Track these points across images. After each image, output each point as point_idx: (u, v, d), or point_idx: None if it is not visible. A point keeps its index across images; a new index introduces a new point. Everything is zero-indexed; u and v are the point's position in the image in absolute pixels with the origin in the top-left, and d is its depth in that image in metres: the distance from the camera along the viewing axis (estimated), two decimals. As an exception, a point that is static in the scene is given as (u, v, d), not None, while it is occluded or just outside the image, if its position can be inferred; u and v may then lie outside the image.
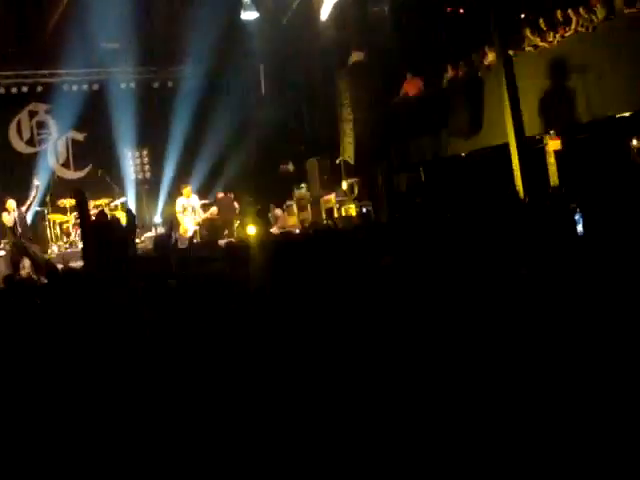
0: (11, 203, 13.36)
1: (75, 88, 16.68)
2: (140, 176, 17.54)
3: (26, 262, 13.21)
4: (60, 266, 11.72)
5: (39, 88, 16.53)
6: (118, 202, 15.95)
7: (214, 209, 15.24)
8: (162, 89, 17.46)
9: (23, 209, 13.66)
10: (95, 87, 16.87)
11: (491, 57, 12.10)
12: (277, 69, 17.68)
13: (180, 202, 14.90)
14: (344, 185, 15.03)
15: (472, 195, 11.08)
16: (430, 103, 13.64)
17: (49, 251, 14.78)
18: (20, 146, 16.62)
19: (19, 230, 13.23)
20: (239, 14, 15.36)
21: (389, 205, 13.75)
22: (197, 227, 14.79)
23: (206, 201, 15.64)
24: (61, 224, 15.37)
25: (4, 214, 13.30)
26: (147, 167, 17.66)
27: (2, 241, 14.06)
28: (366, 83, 14.84)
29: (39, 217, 15.15)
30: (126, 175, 17.21)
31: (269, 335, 2.50)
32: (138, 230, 16.16)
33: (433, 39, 14.76)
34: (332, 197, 15.07)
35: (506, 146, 10.71)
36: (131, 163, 17.43)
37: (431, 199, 13.20)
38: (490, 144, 11.92)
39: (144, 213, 16.92)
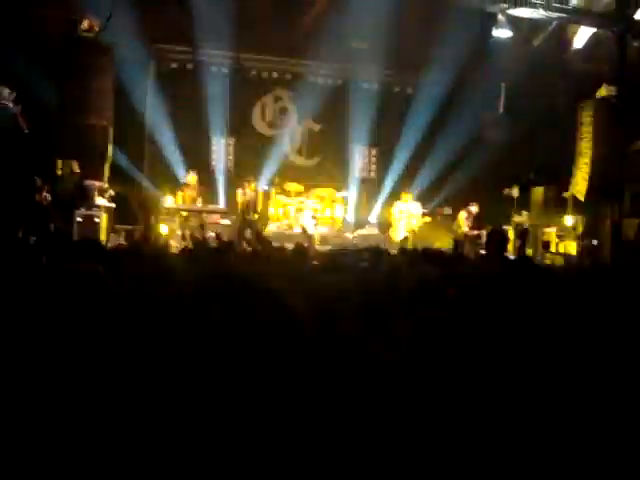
0: (249, 182, 14.44)
1: (320, 81, 17.46)
2: (365, 174, 18.06)
3: (248, 233, 14.17)
4: (276, 244, 12.55)
5: (287, 75, 17.48)
6: (339, 195, 16.63)
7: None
8: (402, 93, 17.80)
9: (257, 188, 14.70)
10: (339, 82, 17.56)
11: None
12: (519, 90, 17.30)
13: (398, 206, 15.15)
14: (568, 220, 14.44)
15: None
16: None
17: (267, 229, 15.65)
18: (262, 127, 17.71)
19: (251, 206, 14.27)
20: (491, 30, 15.20)
21: (613, 249, 13.04)
22: (408, 234, 14.92)
23: (426, 210, 15.76)
24: (284, 205, 16.25)
25: (240, 191, 14.40)
26: (373, 167, 18.13)
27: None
28: (612, 119, 14.15)
29: (265, 195, 16.06)
30: (352, 171, 17.77)
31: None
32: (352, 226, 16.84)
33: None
34: (553, 230, 14.54)
35: None
36: (359, 160, 17.97)
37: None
38: None
39: (362, 211, 17.39)
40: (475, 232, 14.59)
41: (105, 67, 13.26)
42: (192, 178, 14.91)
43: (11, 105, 10.63)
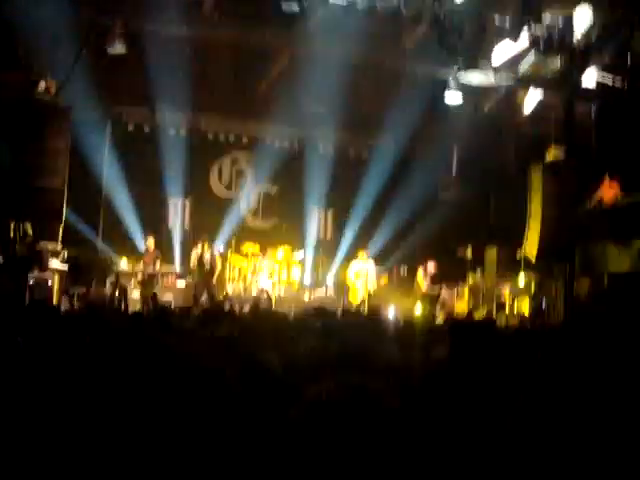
0: (203, 242, 14.35)
1: (277, 144, 17.68)
2: (321, 235, 18.18)
3: (203, 297, 14.10)
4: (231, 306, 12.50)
5: (244, 139, 17.66)
6: (296, 257, 16.67)
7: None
8: (356, 157, 18.11)
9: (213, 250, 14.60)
10: (295, 146, 17.81)
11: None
12: (470, 153, 17.81)
13: (355, 265, 15.20)
14: (521, 280, 14.69)
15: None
16: (625, 211, 13.12)
17: (224, 291, 15.54)
18: (218, 189, 17.77)
19: (206, 267, 14.12)
20: (442, 96, 15.64)
21: (566, 309, 13.23)
22: (366, 296, 14.93)
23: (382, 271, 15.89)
24: (240, 268, 16.20)
25: (194, 251, 14.31)
26: (330, 228, 18.28)
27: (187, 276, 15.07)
28: (561, 181, 14.54)
29: (222, 257, 16.00)
30: (308, 232, 17.87)
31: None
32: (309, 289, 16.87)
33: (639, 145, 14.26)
34: (507, 289, 14.76)
35: None
36: (315, 222, 18.10)
37: (614, 311, 12.55)
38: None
39: (319, 271, 17.44)
40: (435, 289, 14.77)
41: (61, 129, 13.19)
42: (150, 242, 14.82)
43: (-37, 166, 10.50)
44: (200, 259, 14.34)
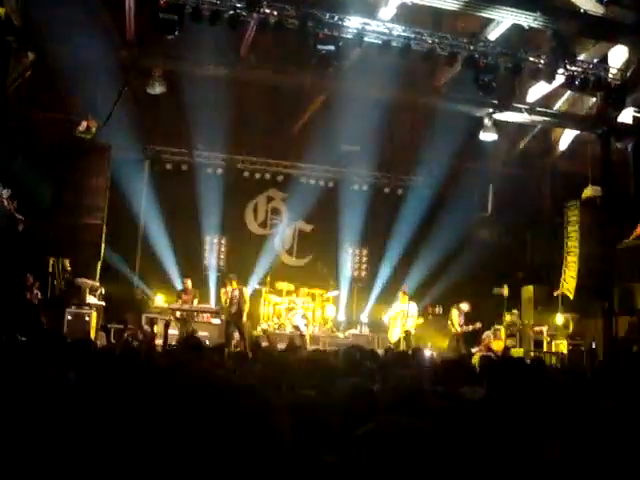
0: (231, 281, 14.39)
1: (312, 182, 17.79)
2: (356, 273, 18.14)
3: (236, 334, 14.12)
4: (265, 344, 12.49)
5: (280, 177, 17.80)
6: (330, 294, 16.65)
7: None
8: (392, 194, 18.12)
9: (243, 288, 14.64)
10: (330, 184, 17.88)
11: None
12: (507, 191, 17.71)
13: (395, 306, 15.09)
14: (559, 319, 14.47)
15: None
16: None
17: (258, 328, 15.54)
18: (254, 227, 17.91)
19: (235, 307, 14.14)
20: (478, 133, 15.68)
21: (605, 348, 13.00)
22: (404, 334, 14.77)
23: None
24: (275, 305, 16.22)
25: (223, 290, 14.36)
26: (364, 266, 18.23)
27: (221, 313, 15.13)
28: (598, 219, 14.44)
29: (256, 294, 16.04)
30: (343, 270, 17.87)
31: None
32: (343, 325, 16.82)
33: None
34: (544, 329, 14.54)
35: None
36: (350, 260, 18.09)
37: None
38: None
39: (353, 309, 17.39)
40: (470, 328, 14.65)
41: (101, 167, 13.52)
42: (188, 283, 14.97)
43: (6, 203, 10.76)
44: (230, 298, 14.36)
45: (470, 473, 2.33)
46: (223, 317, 14.63)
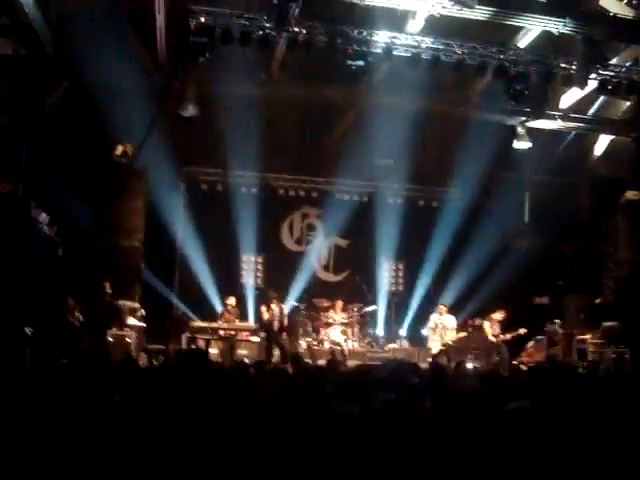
0: (271, 299, 14.46)
1: (346, 197, 17.78)
2: (393, 288, 18.07)
3: (276, 351, 14.15)
4: (308, 361, 12.47)
5: (314, 194, 17.86)
6: (368, 309, 16.57)
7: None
8: (427, 207, 18.03)
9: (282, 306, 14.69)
10: (364, 199, 17.87)
11: None
12: (543, 199, 17.53)
13: (433, 318, 14.98)
14: (603, 327, 14.20)
15: None
16: None
17: (297, 345, 15.53)
18: (289, 243, 17.98)
19: (276, 324, 14.20)
20: (511, 142, 15.57)
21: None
22: (443, 348, 14.63)
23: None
24: (313, 321, 16.20)
25: (264, 308, 14.41)
26: (401, 280, 18.17)
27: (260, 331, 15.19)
28: (638, 223, 14.19)
29: (295, 311, 16.05)
30: (380, 285, 17.79)
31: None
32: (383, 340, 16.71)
33: None
34: (588, 337, 14.29)
35: None
36: (386, 274, 18.03)
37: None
38: None
39: (392, 324, 17.29)
40: (508, 337, 14.46)
41: (138, 190, 13.72)
42: (232, 301, 15.08)
43: (46, 228, 10.97)
44: (272, 316, 14.40)
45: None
46: (262, 334, 14.69)
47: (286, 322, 14.79)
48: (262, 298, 16.31)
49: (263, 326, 14.43)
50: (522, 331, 14.63)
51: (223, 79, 13.90)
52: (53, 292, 11.00)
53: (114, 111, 12.92)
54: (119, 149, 13.31)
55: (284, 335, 14.61)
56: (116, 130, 13.38)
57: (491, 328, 14.66)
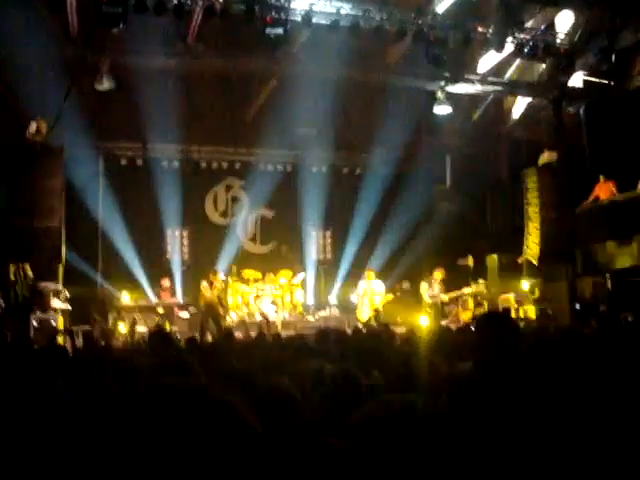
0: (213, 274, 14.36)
1: (270, 168, 17.69)
2: (321, 256, 18.13)
3: (212, 326, 14.04)
4: (238, 334, 12.44)
5: (237, 165, 17.66)
6: (297, 279, 16.62)
7: None
8: (350, 175, 18.12)
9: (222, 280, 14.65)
10: (288, 168, 17.81)
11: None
12: (463, 163, 17.86)
13: (362, 284, 15.09)
14: (525, 285, 14.66)
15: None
16: (622, 209, 13.16)
17: (228, 318, 15.44)
18: (215, 216, 17.77)
19: (220, 301, 14.17)
20: (431, 107, 15.71)
21: (571, 311, 13.22)
22: (373, 313, 14.80)
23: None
24: (242, 294, 16.13)
25: (205, 284, 14.24)
26: (329, 248, 18.24)
27: (190, 307, 15.04)
28: (557, 183, 14.62)
29: (224, 285, 15.92)
30: (308, 254, 17.84)
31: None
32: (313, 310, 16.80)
33: (629, 142, 14.33)
34: (511, 296, 14.70)
35: None
36: (314, 243, 18.07)
37: (617, 309, 12.53)
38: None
39: (321, 292, 17.39)
40: (446, 298, 14.72)
41: (54, 168, 13.20)
42: (166, 282, 14.82)
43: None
44: (213, 292, 14.24)
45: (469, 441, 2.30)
46: (195, 310, 14.58)
47: (224, 297, 14.71)
48: (188, 273, 16.20)
49: (205, 303, 14.24)
50: (466, 290, 14.93)
51: (139, 50, 13.43)
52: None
53: (26, 87, 12.39)
54: (32, 126, 12.78)
55: (220, 310, 14.50)
56: (29, 106, 12.83)
57: (430, 288, 14.84)
